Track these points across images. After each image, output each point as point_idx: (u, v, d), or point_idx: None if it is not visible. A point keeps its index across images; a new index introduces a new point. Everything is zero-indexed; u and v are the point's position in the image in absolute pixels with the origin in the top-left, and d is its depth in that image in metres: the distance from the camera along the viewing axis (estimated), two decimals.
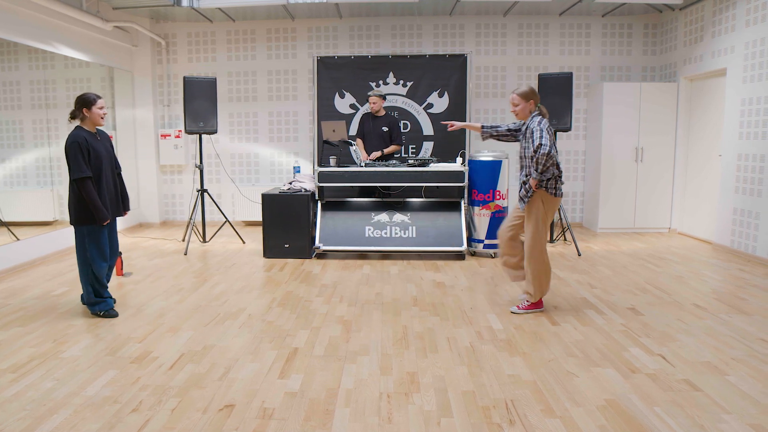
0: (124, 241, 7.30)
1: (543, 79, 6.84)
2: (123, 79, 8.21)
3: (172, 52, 8.58)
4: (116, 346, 3.66)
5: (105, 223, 4.17)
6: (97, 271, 4.24)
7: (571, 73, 6.75)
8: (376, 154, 6.65)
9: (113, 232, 4.44)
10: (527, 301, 4.34)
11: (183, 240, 7.32)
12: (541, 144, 3.96)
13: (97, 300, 4.28)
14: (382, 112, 6.77)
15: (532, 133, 4.04)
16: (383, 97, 6.71)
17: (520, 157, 4.28)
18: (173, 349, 3.61)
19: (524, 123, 4.24)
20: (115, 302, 4.47)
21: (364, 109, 7.87)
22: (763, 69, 5.94)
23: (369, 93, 6.72)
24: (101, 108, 4.21)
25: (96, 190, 4.13)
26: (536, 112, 4.16)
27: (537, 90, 4.17)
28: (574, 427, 2.63)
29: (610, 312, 4.34)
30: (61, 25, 6.65)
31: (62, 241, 6.61)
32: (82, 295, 4.45)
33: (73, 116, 4.20)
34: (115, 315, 4.29)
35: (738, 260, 6.08)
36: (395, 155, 6.95)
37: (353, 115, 7.91)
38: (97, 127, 4.32)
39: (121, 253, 5.54)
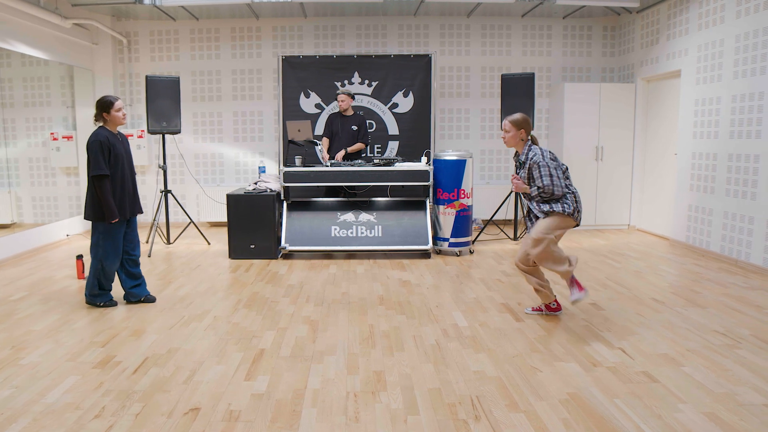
0: (85, 243, 7.14)
1: (506, 79, 6.95)
2: (83, 77, 8.02)
3: (134, 51, 8.43)
4: (78, 351, 3.59)
5: (114, 221, 4.32)
6: (108, 267, 4.43)
7: (533, 74, 6.88)
8: (341, 154, 6.65)
9: (133, 230, 4.61)
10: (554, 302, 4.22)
11: (146, 242, 7.19)
12: (545, 185, 3.91)
13: (100, 292, 4.49)
14: (351, 111, 6.78)
15: (539, 168, 3.93)
16: (352, 96, 6.72)
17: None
18: (137, 353, 3.56)
19: (522, 155, 4.11)
20: (155, 299, 4.68)
21: (329, 109, 7.87)
22: (715, 71, 6.16)
23: (338, 91, 6.71)
24: (119, 110, 4.37)
25: (114, 189, 4.33)
26: (529, 143, 4.09)
27: (528, 120, 4.12)
28: (538, 420, 2.70)
29: (572, 307, 4.44)
30: (18, 21, 6.46)
31: (22, 244, 6.42)
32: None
33: (96, 119, 4.38)
34: (114, 305, 4.53)
35: (693, 255, 6.28)
36: (361, 154, 6.97)
37: (318, 114, 7.90)
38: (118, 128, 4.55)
39: (81, 256, 5.45)
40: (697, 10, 6.48)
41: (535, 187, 3.98)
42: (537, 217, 4.09)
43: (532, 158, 4.00)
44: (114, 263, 4.45)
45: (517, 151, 4.20)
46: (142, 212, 4.71)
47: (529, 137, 4.12)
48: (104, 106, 4.33)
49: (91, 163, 4.23)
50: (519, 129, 4.06)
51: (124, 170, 4.40)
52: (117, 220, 4.32)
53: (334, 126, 6.79)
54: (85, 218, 4.41)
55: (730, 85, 5.92)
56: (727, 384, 3.06)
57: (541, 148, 4.04)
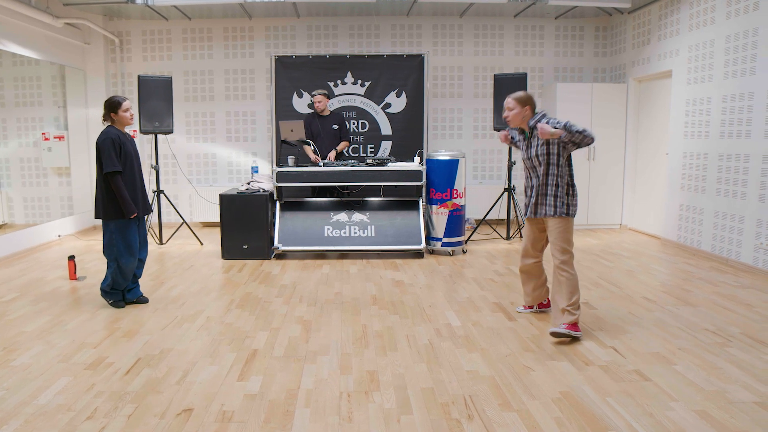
0: (77, 244, 7.11)
1: (498, 79, 6.96)
2: (75, 77, 7.98)
3: (126, 51, 8.39)
4: (69, 353, 3.57)
5: (133, 216, 4.34)
6: (124, 266, 4.42)
7: (525, 74, 6.90)
8: (332, 154, 6.64)
9: (142, 229, 4.60)
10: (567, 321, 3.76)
11: None
12: (583, 129, 3.56)
13: (112, 291, 4.50)
14: (327, 111, 6.78)
15: (563, 123, 3.62)
16: (327, 96, 6.73)
17: (528, 159, 3.90)
18: (129, 354, 3.55)
19: (532, 120, 3.83)
20: (147, 300, 4.68)
21: None
22: (705, 71, 6.20)
23: (313, 93, 6.70)
24: (126, 111, 4.40)
25: (126, 187, 4.33)
26: (542, 112, 3.84)
27: (532, 97, 3.86)
28: (531, 420, 2.71)
29: None
30: (9, 21, 6.42)
31: (13, 245, 6.38)
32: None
33: (104, 118, 4.42)
34: (121, 306, 4.52)
35: (684, 254, 6.32)
36: (346, 152, 6.97)
37: (310, 115, 7.89)
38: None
39: (73, 256, 5.42)
40: (687, 10, 6.52)
41: (577, 131, 3.56)
42: (548, 206, 3.82)
43: (540, 124, 3.68)
44: (129, 262, 4.43)
45: (521, 128, 3.94)
46: (151, 211, 4.72)
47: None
48: (112, 107, 4.37)
49: (104, 160, 4.25)
50: (524, 106, 3.81)
51: (133, 169, 4.42)
52: (136, 214, 4.36)
53: (313, 127, 6.72)
54: (96, 217, 4.42)
55: (721, 86, 5.96)
56: (718, 382, 3.09)
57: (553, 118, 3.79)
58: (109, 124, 4.42)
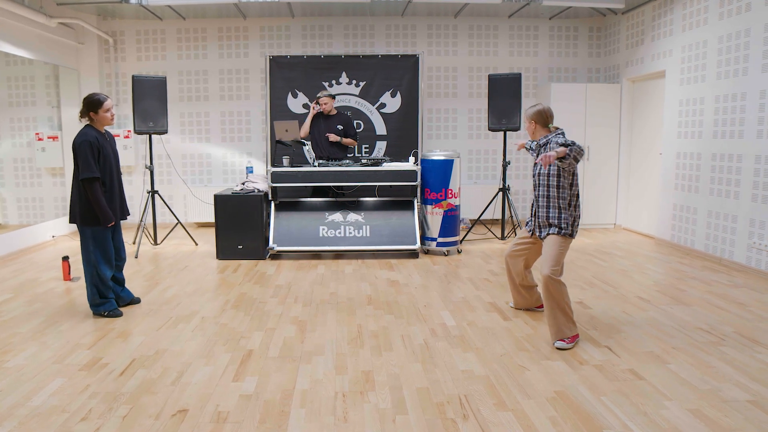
0: (72, 244, 7.08)
1: (493, 79, 6.98)
2: (69, 77, 7.94)
3: (120, 51, 8.36)
4: (64, 354, 3.56)
5: (110, 225, 4.17)
6: (102, 274, 4.24)
7: (519, 74, 6.91)
8: (334, 137, 6.59)
9: (118, 234, 4.46)
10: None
11: (133, 243, 7.14)
12: (574, 142, 3.58)
13: (101, 301, 4.29)
14: (334, 111, 6.76)
15: (564, 140, 3.63)
16: (333, 97, 6.72)
17: (534, 176, 3.92)
18: (124, 355, 3.54)
19: (541, 140, 3.87)
20: (140, 300, 4.64)
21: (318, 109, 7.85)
22: (698, 72, 6.23)
23: (318, 95, 6.68)
24: (107, 111, 4.18)
25: (104, 191, 4.15)
26: (560, 131, 3.83)
27: (542, 113, 3.86)
28: (526, 419, 2.72)
29: None
30: (1, 20, 6.38)
31: (7, 245, 6.35)
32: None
33: (82, 116, 4.18)
34: (119, 315, 4.30)
35: (678, 254, 6.35)
36: (348, 151, 6.95)
37: (306, 114, 7.88)
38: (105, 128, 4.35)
39: (68, 257, 5.40)
40: (681, 11, 6.55)
41: (568, 148, 3.54)
42: (548, 225, 3.81)
43: (552, 141, 3.74)
44: (107, 270, 4.25)
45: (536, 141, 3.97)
46: (129, 214, 4.52)
47: (552, 127, 3.85)
48: (92, 105, 4.12)
49: (81, 165, 4.02)
50: (529, 121, 3.88)
51: (112, 172, 4.22)
52: (113, 223, 4.17)
53: (316, 127, 6.71)
54: (70, 222, 4.21)
55: (714, 86, 5.99)
56: (712, 381, 3.11)
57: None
58: (87, 122, 4.16)
